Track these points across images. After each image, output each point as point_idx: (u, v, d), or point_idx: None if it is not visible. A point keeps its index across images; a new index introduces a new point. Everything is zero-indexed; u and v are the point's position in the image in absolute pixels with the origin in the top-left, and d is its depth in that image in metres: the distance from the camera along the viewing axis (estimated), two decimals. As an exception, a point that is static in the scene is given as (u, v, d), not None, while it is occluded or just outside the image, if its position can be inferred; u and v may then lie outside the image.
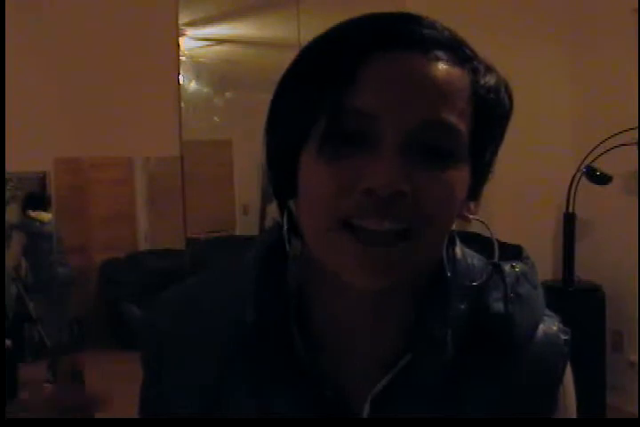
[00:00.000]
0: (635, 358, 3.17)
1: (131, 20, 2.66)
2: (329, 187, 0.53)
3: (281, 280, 0.62)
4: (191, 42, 2.83)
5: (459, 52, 0.56)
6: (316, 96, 0.54)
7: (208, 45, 2.94)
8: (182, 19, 2.77)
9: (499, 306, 0.62)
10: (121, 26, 2.64)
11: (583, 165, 3.12)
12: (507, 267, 0.64)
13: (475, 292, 0.62)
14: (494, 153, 0.61)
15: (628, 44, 3.08)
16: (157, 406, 0.65)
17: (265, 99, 0.70)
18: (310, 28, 2.95)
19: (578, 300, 3.12)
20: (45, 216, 2.62)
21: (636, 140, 2.95)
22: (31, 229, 2.61)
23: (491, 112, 0.57)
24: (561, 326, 0.66)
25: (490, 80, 0.58)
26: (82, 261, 2.75)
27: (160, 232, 2.92)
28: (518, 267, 0.64)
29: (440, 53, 0.54)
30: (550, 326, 0.65)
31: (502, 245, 0.66)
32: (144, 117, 2.67)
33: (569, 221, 3.20)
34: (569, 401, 0.67)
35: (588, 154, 3.09)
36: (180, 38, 2.77)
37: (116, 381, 2.36)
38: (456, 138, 0.54)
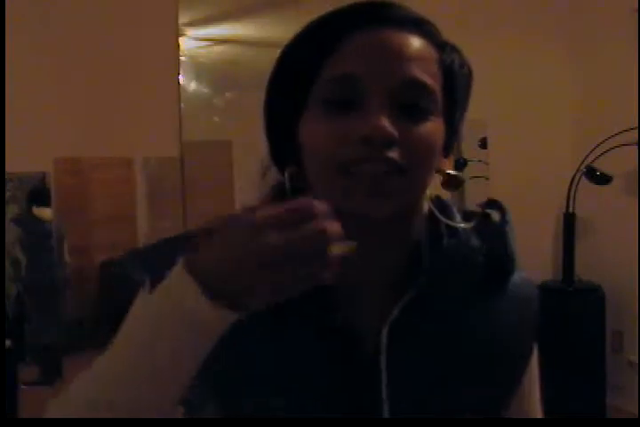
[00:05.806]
0: (635, 358, 3.17)
1: (130, 20, 2.66)
2: (328, 139, 0.62)
3: None
4: (191, 42, 2.83)
5: (428, 31, 0.66)
6: (308, 66, 0.64)
7: (208, 45, 2.93)
8: (182, 19, 2.77)
9: (491, 243, 0.72)
10: (120, 26, 2.64)
11: (583, 165, 3.12)
12: (494, 214, 0.74)
13: (466, 233, 0.72)
14: (461, 115, 0.70)
15: (628, 44, 3.08)
16: None
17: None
18: (310, 28, 2.95)
19: (578, 300, 3.12)
20: (47, 214, 2.61)
21: (636, 140, 2.95)
22: (29, 225, 2.60)
23: (456, 80, 0.68)
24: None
25: (453, 56, 0.68)
26: (82, 261, 2.74)
27: (160, 232, 2.91)
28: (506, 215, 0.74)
29: (412, 29, 0.64)
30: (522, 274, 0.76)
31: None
32: (144, 117, 2.66)
33: (569, 221, 3.20)
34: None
35: (588, 154, 3.09)
36: (180, 38, 2.77)
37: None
38: (430, 96, 0.64)
